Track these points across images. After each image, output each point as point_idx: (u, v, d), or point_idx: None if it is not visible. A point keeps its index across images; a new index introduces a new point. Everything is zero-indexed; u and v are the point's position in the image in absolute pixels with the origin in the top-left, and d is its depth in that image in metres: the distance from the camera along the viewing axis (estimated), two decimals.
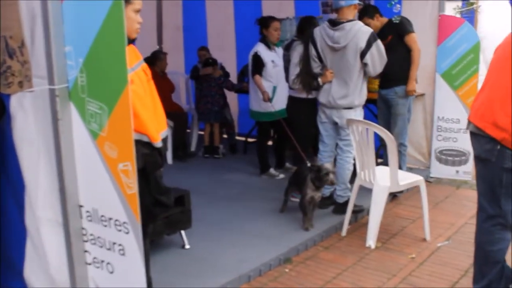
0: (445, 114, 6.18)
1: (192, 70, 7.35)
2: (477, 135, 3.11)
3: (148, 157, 2.75)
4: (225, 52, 8.04)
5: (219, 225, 4.76)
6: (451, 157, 6.25)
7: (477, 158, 3.19)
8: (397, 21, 5.35)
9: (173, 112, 6.93)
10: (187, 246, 4.26)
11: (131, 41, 2.82)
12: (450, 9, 11.58)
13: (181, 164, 6.91)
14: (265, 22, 5.82)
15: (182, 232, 4.27)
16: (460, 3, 12.98)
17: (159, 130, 2.87)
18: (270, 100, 5.76)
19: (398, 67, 5.26)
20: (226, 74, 7.24)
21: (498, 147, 2.97)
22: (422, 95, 6.39)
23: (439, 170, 6.33)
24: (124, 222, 2.48)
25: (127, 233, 2.48)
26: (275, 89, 5.89)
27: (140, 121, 2.70)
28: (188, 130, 7.69)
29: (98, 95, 2.45)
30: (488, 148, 3.02)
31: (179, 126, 6.96)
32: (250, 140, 7.52)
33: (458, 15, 11.67)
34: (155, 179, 2.90)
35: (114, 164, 2.45)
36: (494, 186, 3.08)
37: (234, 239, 4.46)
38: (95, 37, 2.39)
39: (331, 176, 4.47)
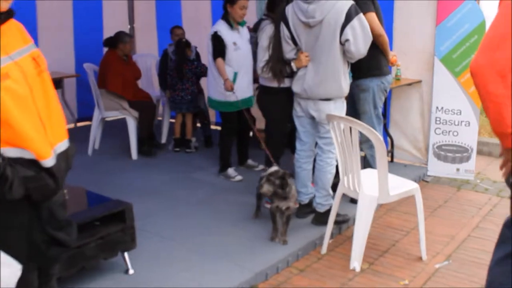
0: (445, 104, 5.42)
1: (161, 58, 6.51)
2: None
3: (32, 181, 1.95)
4: (200, 32, 7.18)
5: (174, 240, 3.99)
6: (451, 153, 5.50)
7: None
8: None
9: (138, 101, 6.17)
10: (131, 271, 3.49)
11: (7, 15, 1.99)
12: None
13: (146, 160, 6.12)
14: None
15: (125, 253, 3.49)
16: None
17: (53, 143, 2.07)
18: (233, 89, 4.95)
19: None
20: (199, 58, 6.39)
21: None
22: (419, 82, 5.62)
23: (437, 167, 5.59)
24: None
25: None
26: (236, 75, 5.04)
27: (16, 131, 1.90)
28: (160, 118, 6.93)
29: None
30: None
31: (145, 116, 6.15)
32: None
33: None
34: (49, 209, 2.10)
35: None
36: None
37: (190, 260, 3.69)
38: None
39: (262, 182, 3.78)
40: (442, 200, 5.03)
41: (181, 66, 6.07)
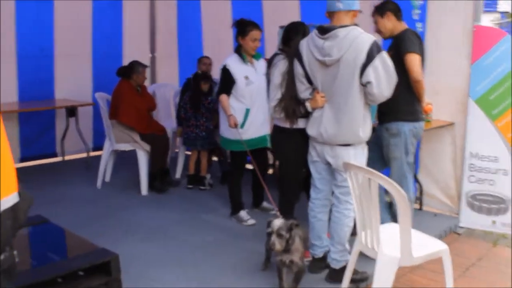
0: (480, 150, 4.93)
1: (183, 88, 6.20)
2: None
3: None
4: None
5: None
6: (486, 204, 4.99)
7: None
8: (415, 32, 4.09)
9: (150, 134, 5.84)
10: None
11: None
12: (487, 22, 10.25)
13: (155, 197, 5.77)
14: (242, 28, 4.63)
15: None
16: (498, 15, 11.54)
17: None
18: (237, 126, 4.57)
19: (392, 96, 3.67)
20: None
21: None
22: (451, 124, 5.15)
23: (471, 219, 5.07)
24: None
25: None
26: (248, 112, 4.68)
27: None
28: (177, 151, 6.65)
29: None
30: None
31: (157, 150, 5.84)
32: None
33: None
34: None
35: None
36: None
37: None
38: None
39: (273, 239, 3.34)
40: (476, 257, 4.52)
41: (196, 101, 5.75)
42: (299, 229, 3.46)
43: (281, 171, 4.01)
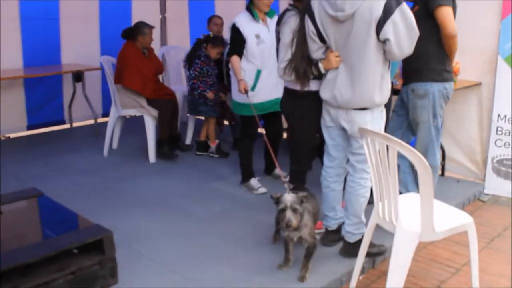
0: (508, 112, 4.59)
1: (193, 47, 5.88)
2: None
3: None
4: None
5: (168, 274, 3.35)
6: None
7: None
8: None
9: (158, 99, 5.57)
10: None
11: None
12: None
13: (163, 164, 5.53)
14: None
15: None
16: None
17: None
18: (247, 92, 4.29)
19: (420, 54, 3.45)
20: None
21: None
22: (478, 85, 4.80)
23: (496, 185, 4.78)
24: None
25: None
26: (259, 73, 4.38)
27: None
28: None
29: None
30: None
31: (165, 116, 5.58)
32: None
33: None
34: None
35: None
36: None
37: None
38: None
39: (289, 216, 3.04)
40: (502, 227, 4.22)
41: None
42: (308, 201, 3.19)
43: (292, 138, 3.70)
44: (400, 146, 2.70)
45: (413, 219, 2.90)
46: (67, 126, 7.11)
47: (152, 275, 3.30)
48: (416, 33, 2.98)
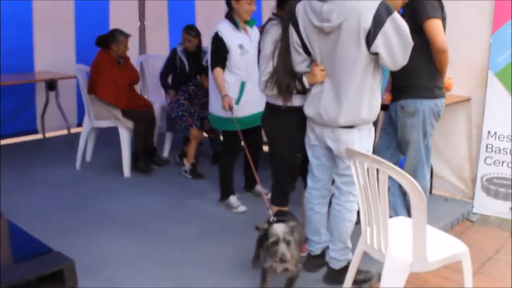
0: (499, 129, 4.42)
1: (169, 57, 5.63)
2: None
3: None
4: None
5: None
6: (503, 188, 4.51)
7: None
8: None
9: (133, 110, 5.30)
10: None
11: None
12: None
13: (139, 179, 5.26)
14: None
15: None
16: None
17: None
18: (232, 108, 4.06)
19: (409, 70, 3.22)
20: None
21: None
22: (467, 100, 4.60)
23: (486, 204, 4.60)
24: None
25: None
26: (243, 86, 4.15)
27: None
28: None
29: None
30: None
31: (140, 127, 5.31)
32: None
33: None
34: None
35: None
36: None
37: None
38: None
39: (283, 250, 2.75)
40: (493, 250, 4.03)
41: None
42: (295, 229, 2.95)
43: (272, 156, 3.46)
44: (392, 170, 2.48)
45: (404, 247, 2.69)
46: (39, 136, 6.80)
47: None
48: (410, 42, 2.75)
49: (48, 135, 6.83)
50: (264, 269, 2.98)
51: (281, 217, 3.01)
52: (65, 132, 6.54)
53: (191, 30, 5.47)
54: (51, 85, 6.21)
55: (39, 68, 6.59)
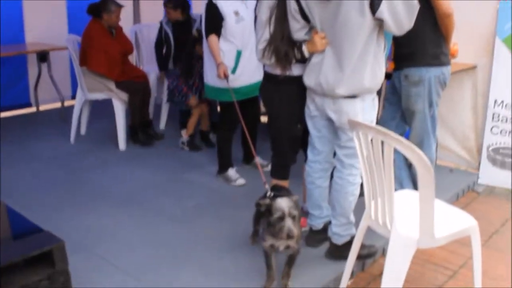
0: (505, 97, 4.26)
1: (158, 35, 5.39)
2: None
3: None
4: None
5: (132, 283, 2.98)
6: (510, 158, 4.36)
7: None
8: None
9: (127, 81, 5.13)
10: None
11: None
12: None
13: (135, 152, 5.12)
14: None
15: None
16: None
17: None
18: (227, 77, 3.90)
19: (414, 37, 3.07)
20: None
21: None
22: (473, 68, 4.43)
23: (491, 175, 4.48)
24: None
25: None
26: (239, 54, 3.98)
27: None
28: None
29: None
30: None
31: (135, 99, 5.16)
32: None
33: None
34: None
35: None
36: None
37: None
38: None
39: (289, 225, 2.61)
40: (499, 222, 3.91)
41: (190, 66, 4.96)
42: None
43: (271, 128, 3.31)
44: (398, 142, 2.33)
45: (410, 222, 2.56)
46: (33, 109, 6.63)
47: (113, 285, 2.92)
48: (416, 5, 2.56)
49: (42, 108, 6.66)
50: (266, 254, 2.82)
51: (277, 192, 2.87)
52: (59, 105, 6.37)
53: (169, 2, 5.22)
54: (43, 56, 6.03)
55: (30, 40, 6.39)
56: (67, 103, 6.43)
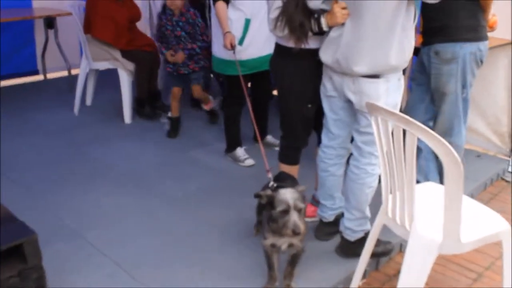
0: None
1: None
2: None
3: None
4: None
5: (122, 278, 2.71)
6: None
7: None
8: None
9: (134, 50, 4.81)
10: None
11: None
12: None
13: (141, 126, 4.84)
14: None
15: None
16: None
17: None
18: (233, 47, 3.55)
19: (447, 8, 2.81)
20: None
21: None
22: (508, 44, 4.02)
23: None
24: None
25: None
26: (248, 23, 3.62)
27: None
28: None
29: None
30: None
31: (142, 69, 4.85)
32: None
33: None
34: None
35: None
36: None
37: None
38: None
39: (295, 220, 2.28)
40: None
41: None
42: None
43: (281, 107, 2.97)
44: (422, 132, 1.99)
45: (433, 222, 2.23)
46: (40, 77, 6.37)
47: (102, 279, 2.65)
48: None
49: (49, 76, 6.39)
50: (267, 254, 2.50)
51: (281, 181, 2.56)
52: (66, 73, 6.09)
53: None
54: (50, 22, 5.73)
55: (37, 4, 6.09)
56: (75, 71, 6.13)
